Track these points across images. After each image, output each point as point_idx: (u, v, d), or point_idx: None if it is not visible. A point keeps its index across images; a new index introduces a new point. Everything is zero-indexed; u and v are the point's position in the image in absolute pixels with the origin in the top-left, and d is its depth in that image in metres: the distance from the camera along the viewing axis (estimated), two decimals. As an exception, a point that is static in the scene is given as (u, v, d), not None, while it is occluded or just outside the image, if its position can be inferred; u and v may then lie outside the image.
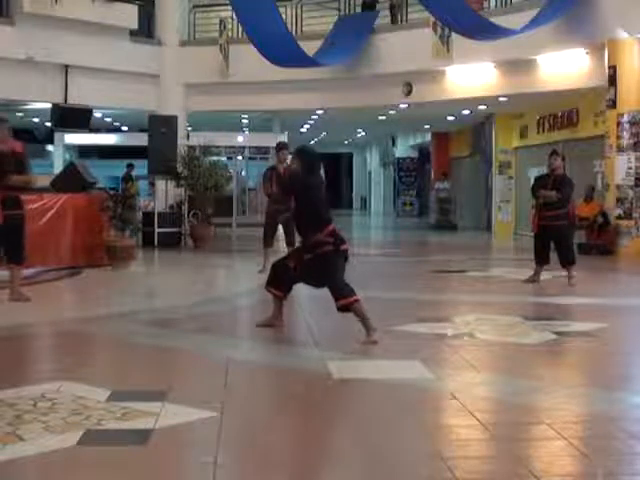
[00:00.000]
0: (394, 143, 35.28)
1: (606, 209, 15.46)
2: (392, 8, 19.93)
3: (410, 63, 18.32)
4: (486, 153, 23.69)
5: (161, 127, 17.44)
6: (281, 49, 17.33)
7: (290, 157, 7.75)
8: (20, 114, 23.09)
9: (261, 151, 27.00)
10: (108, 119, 25.20)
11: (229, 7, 18.29)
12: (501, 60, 17.44)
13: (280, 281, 6.88)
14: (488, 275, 11.97)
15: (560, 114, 19.74)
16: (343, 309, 6.48)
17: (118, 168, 26.57)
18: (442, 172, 27.84)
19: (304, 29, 20.58)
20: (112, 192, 14.32)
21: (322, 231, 6.56)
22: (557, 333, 6.93)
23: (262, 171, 12.82)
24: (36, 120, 25.24)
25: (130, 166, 24.07)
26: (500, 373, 5.67)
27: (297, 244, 11.44)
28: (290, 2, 20.77)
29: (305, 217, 6.68)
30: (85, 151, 32.46)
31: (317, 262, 6.55)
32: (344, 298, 6.43)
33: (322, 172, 7.15)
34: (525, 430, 4.29)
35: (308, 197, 6.66)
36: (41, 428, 4.09)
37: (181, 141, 18.30)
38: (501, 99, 19.05)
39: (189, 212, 17.58)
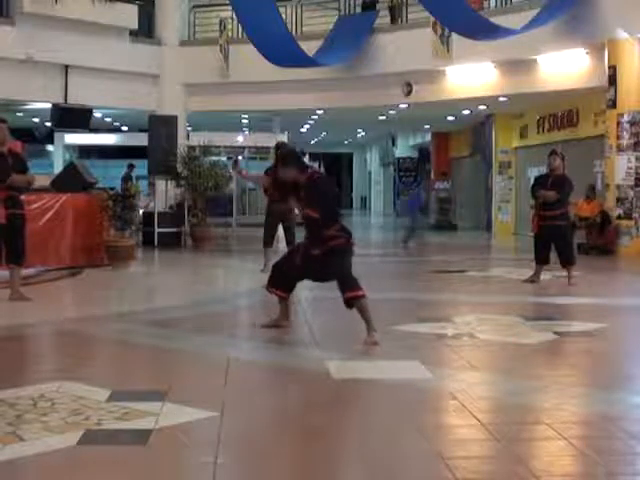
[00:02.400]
0: (394, 143, 35.28)
1: (606, 209, 15.47)
2: (392, 8, 19.93)
3: (410, 63, 18.33)
4: (486, 153, 23.69)
5: (161, 127, 17.45)
6: (281, 49, 17.33)
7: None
8: (20, 114, 23.09)
9: (261, 151, 26.99)
10: (108, 119, 25.20)
11: (229, 7, 18.30)
12: (501, 60, 17.45)
13: (281, 281, 6.84)
14: (488, 275, 11.97)
15: (560, 114, 19.75)
16: (350, 302, 6.43)
17: (118, 168, 26.57)
18: (442, 172, 27.84)
19: (304, 29, 20.59)
20: (112, 192, 14.31)
21: (331, 228, 6.53)
22: (557, 333, 6.93)
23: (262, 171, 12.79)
24: (36, 120, 25.24)
25: (131, 166, 24.06)
26: (500, 373, 5.67)
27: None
28: (290, 2, 20.78)
29: (318, 214, 6.54)
30: (85, 151, 32.47)
31: (329, 255, 6.48)
32: (352, 290, 6.39)
33: (323, 170, 7.17)
34: (525, 430, 4.28)
35: (326, 195, 6.64)
36: (41, 428, 4.09)
37: (181, 141, 18.30)
38: (501, 99, 19.05)
39: (189, 212, 17.59)
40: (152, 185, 18.56)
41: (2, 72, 17.27)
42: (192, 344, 6.53)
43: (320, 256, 6.52)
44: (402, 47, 18.34)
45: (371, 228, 29.63)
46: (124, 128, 28.60)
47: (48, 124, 21.98)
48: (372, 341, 6.33)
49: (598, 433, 4.24)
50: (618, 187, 15.13)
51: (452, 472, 3.53)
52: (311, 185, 6.62)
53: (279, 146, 11.74)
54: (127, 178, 23.46)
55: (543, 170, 12.62)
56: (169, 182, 17.94)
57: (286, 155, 6.90)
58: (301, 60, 17.67)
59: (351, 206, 45.74)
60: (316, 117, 24.71)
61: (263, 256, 11.64)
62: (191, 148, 18.49)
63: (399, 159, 35.35)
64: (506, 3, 18.31)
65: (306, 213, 6.63)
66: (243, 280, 11.83)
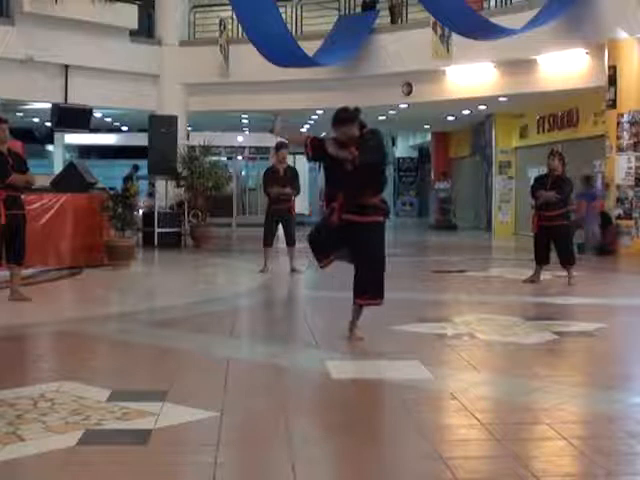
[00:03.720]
0: (394, 143, 35.26)
1: (606, 209, 15.46)
2: (392, 8, 19.93)
3: (410, 63, 18.33)
4: (486, 153, 23.69)
5: (161, 127, 17.45)
6: (281, 49, 17.33)
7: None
8: (20, 114, 23.09)
9: (261, 151, 27.00)
10: (108, 119, 25.20)
11: (229, 7, 18.30)
12: (501, 60, 17.46)
13: (323, 248, 6.53)
14: (488, 275, 11.97)
15: (560, 114, 19.74)
16: (361, 305, 6.41)
17: (118, 168, 26.54)
18: (442, 172, 27.84)
19: (304, 29, 20.59)
20: (112, 192, 14.31)
21: (376, 195, 6.36)
22: (557, 333, 6.92)
23: (262, 171, 12.82)
24: (36, 120, 25.24)
25: (135, 167, 24.00)
26: (500, 373, 5.67)
27: (295, 247, 11.47)
28: (290, 2, 20.78)
29: (367, 179, 6.24)
30: (85, 151, 32.46)
31: (370, 230, 6.30)
32: (378, 299, 6.40)
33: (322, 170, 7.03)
34: (525, 430, 4.28)
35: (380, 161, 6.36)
36: (41, 428, 4.09)
37: (181, 141, 18.31)
38: (501, 99, 19.05)
39: (189, 212, 17.59)
40: (152, 185, 18.55)
41: (2, 72, 17.28)
42: (192, 344, 6.54)
43: (359, 225, 6.25)
44: (402, 47, 18.34)
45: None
46: (124, 128, 28.59)
47: (48, 124, 21.97)
48: (359, 337, 6.45)
49: (598, 433, 4.24)
50: (618, 187, 15.14)
51: (452, 472, 3.53)
52: (367, 139, 6.23)
53: (279, 146, 11.74)
54: (129, 178, 23.42)
55: (543, 170, 12.61)
56: (169, 182, 17.93)
57: (349, 112, 6.30)
58: (301, 60, 17.66)
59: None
60: (316, 117, 24.70)
61: (263, 256, 11.66)
62: (191, 148, 18.50)
63: (399, 159, 35.34)
64: (506, 3, 18.31)
65: (355, 173, 6.19)
66: (243, 280, 11.83)
